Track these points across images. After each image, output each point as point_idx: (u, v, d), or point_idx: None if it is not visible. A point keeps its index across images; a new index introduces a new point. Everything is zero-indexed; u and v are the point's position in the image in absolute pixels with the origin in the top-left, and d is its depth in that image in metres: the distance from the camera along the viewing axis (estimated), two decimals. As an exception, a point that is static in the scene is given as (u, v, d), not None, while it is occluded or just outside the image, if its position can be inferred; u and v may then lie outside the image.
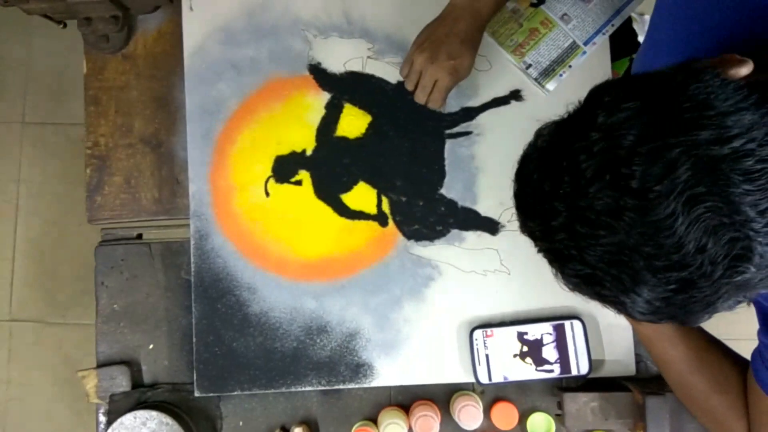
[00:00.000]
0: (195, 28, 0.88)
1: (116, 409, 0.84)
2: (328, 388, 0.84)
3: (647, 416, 0.74)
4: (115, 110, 0.92)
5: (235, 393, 0.85)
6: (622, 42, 0.87)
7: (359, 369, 0.83)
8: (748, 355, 0.64)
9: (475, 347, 0.81)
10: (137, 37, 0.93)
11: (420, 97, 0.77)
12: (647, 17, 0.86)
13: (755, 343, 0.62)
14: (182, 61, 0.88)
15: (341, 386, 0.84)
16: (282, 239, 0.85)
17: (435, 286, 0.84)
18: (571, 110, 0.44)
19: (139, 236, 0.92)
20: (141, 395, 0.86)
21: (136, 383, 0.87)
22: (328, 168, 0.86)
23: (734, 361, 0.66)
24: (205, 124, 0.87)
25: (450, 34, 0.74)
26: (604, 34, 0.86)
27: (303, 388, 0.84)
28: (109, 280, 0.90)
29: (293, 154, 0.86)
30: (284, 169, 0.86)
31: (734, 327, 0.82)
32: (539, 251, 0.46)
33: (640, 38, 0.87)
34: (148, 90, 0.92)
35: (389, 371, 0.83)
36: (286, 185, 0.86)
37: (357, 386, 0.84)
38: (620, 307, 0.42)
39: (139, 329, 0.89)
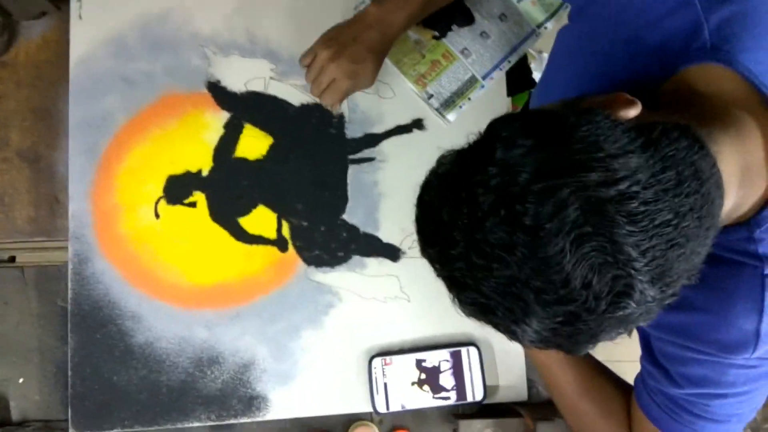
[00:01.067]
0: (83, 38, 0.83)
1: (-25, 452, 0.75)
2: (218, 423, 0.79)
3: (538, 441, 0.75)
4: (-11, 120, 0.84)
5: (116, 431, 0.78)
6: (519, 78, 0.91)
7: (253, 402, 0.79)
8: (630, 377, 0.68)
9: (373, 376, 0.79)
10: (19, 43, 0.86)
11: (314, 91, 0.76)
12: (545, 55, 0.90)
13: (637, 365, 0.64)
14: (68, 71, 0.82)
15: (233, 421, 0.79)
16: (172, 264, 0.80)
17: (335, 313, 0.82)
18: (471, 140, 0.45)
19: (12, 259, 0.84)
20: (7, 435, 0.78)
21: (3, 421, 0.79)
22: (226, 190, 0.82)
23: (620, 387, 0.69)
24: (90, 138, 0.81)
25: (357, 39, 0.74)
26: (501, 69, 0.89)
27: (191, 424, 0.78)
28: (-27, 308, 0.81)
29: (188, 174, 0.82)
30: (177, 189, 0.81)
31: (618, 349, 0.86)
32: (438, 276, 0.46)
33: (535, 74, 0.91)
34: (28, 100, 0.85)
35: (285, 403, 0.80)
36: (178, 207, 0.81)
37: (250, 420, 0.79)
38: (511, 335, 0.43)
39: (7, 361, 0.81)
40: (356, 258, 0.83)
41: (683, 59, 0.52)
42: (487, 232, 0.39)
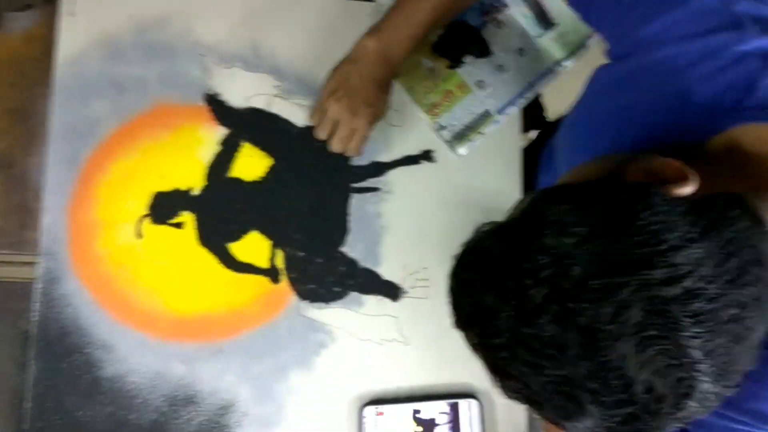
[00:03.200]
0: (74, 36, 0.76)
1: None
2: (190, 469, 0.71)
3: (539, 507, 0.70)
4: (-41, 118, 0.76)
5: (73, 473, 0.70)
6: (533, 116, 0.87)
7: (230, 447, 0.72)
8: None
9: (364, 426, 0.73)
10: (1, 36, 0.79)
11: (337, 147, 0.72)
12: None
13: None
14: (53, 71, 0.75)
15: (206, 467, 0.72)
16: (152, 290, 0.73)
17: (326, 354, 0.75)
18: (512, 214, 0.42)
19: (-29, 272, 0.76)
20: (-52, 473, 0.69)
21: (-54, 457, 0.70)
22: (217, 212, 0.76)
23: None
24: (72, 146, 0.74)
25: (365, 81, 0.69)
26: (516, 105, 0.85)
27: (159, 469, 0.71)
28: None
29: (176, 191, 0.75)
30: (164, 207, 0.75)
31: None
32: (474, 353, 0.42)
33: (549, 113, 0.88)
34: (5, 99, 0.78)
35: (265, 450, 0.73)
36: (163, 227, 0.74)
37: (225, 467, 0.72)
38: (559, 427, 0.40)
39: (-45, 388, 0.72)
40: (353, 295, 0.77)
41: (733, 117, 0.49)
42: (538, 329, 0.36)
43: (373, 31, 0.70)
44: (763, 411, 0.50)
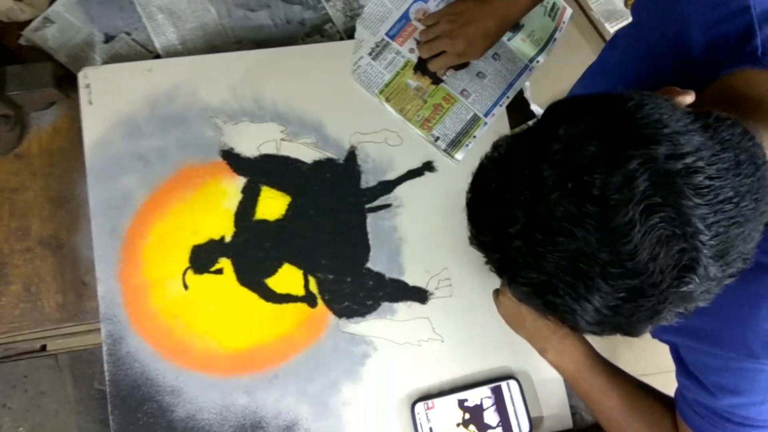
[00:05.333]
0: (95, 122, 0.84)
1: None
2: (268, 489, 0.78)
3: (591, 467, 0.75)
4: (9, 213, 0.85)
5: None
6: (518, 111, 0.94)
7: (300, 463, 0.79)
8: (668, 387, 0.68)
9: (418, 421, 0.79)
10: (31, 134, 0.88)
11: (423, 53, 0.87)
12: (528, 83, 0.94)
13: (671, 376, 0.65)
14: (82, 156, 0.84)
15: (283, 485, 0.78)
16: (205, 333, 0.80)
17: (371, 363, 0.82)
18: (530, 125, 0.46)
19: (44, 347, 0.84)
20: None
21: None
22: (250, 253, 0.83)
23: (664, 402, 0.69)
24: (112, 219, 0.82)
25: (477, 22, 0.83)
26: (501, 105, 0.92)
27: (241, 494, 0.77)
28: (12, 401, 0.81)
29: (211, 242, 0.83)
30: (203, 258, 0.82)
31: (654, 361, 0.87)
32: (488, 263, 0.46)
33: (533, 106, 0.94)
34: (45, 189, 0.86)
35: (332, 460, 0.79)
36: (206, 275, 0.82)
37: (300, 482, 0.79)
38: (568, 317, 0.43)
39: (47, 453, 0.80)
40: (385, 305, 0.84)
41: (731, 63, 0.54)
42: (553, 206, 0.40)
43: None
44: (750, 344, 0.52)
